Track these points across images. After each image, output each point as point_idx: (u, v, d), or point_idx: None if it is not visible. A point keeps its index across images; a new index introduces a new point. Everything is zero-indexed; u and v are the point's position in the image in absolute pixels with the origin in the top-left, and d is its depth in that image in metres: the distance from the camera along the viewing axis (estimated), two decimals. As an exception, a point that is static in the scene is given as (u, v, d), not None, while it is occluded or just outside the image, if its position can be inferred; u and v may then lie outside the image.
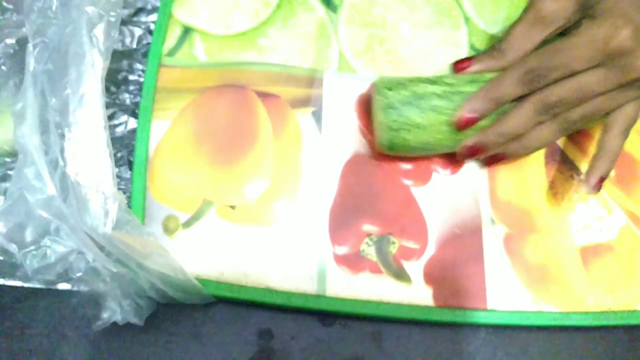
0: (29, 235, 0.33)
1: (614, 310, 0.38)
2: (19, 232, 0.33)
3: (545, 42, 0.35)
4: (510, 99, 0.35)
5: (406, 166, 0.40)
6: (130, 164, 0.39)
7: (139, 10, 0.43)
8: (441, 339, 0.37)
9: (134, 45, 0.42)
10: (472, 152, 0.37)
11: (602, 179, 0.36)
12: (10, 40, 0.39)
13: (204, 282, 0.35)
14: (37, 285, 0.36)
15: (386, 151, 0.38)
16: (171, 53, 0.41)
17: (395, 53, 0.43)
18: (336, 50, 0.43)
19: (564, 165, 0.41)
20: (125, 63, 0.42)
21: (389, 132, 0.36)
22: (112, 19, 0.35)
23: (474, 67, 0.37)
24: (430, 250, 0.38)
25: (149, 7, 0.43)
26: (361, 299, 0.36)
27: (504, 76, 0.35)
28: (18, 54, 0.39)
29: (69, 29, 0.34)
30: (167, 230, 0.37)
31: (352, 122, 0.40)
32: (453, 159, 0.39)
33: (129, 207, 0.37)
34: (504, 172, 0.40)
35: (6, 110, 0.38)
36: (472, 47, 0.44)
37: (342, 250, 0.37)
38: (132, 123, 0.40)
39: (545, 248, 0.39)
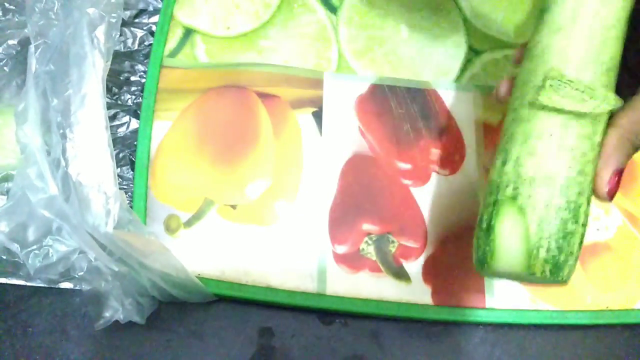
0: (31, 235, 0.33)
1: (611, 308, 0.38)
2: (21, 232, 0.33)
3: None
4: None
5: (405, 166, 0.40)
6: (132, 164, 0.39)
7: (141, 12, 0.43)
8: (440, 337, 0.37)
9: (136, 47, 0.43)
10: (618, 179, 0.31)
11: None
12: (12, 41, 0.40)
13: (205, 280, 0.36)
14: (40, 284, 0.36)
15: None
16: (173, 54, 0.41)
17: (395, 54, 0.43)
18: (336, 51, 0.43)
19: (561, 165, 0.41)
20: (127, 64, 0.42)
21: None
22: (113, 20, 0.36)
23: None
24: (429, 250, 0.38)
25: (151, 8, 0.44)
26: (361, 298, 0.36)
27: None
28: (20, 54, 0.39)
29: (70, 30, 0.34)
30: (169, 229, 0.37)
31: (352, 122, 0.41)
32: (452, 159, 0.39)
33: (131, 206, 0.37)
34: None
35: (8, 111, 0.38)
36: (470, 48, 0.44)
37: (342, 249, 0.38)
38: (134, 123, 0.40)
39: (543, 247, 0.39)
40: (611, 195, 0.31)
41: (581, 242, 0.29)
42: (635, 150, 0.31)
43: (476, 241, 0.30)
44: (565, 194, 0.28)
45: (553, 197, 0.28)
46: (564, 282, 0.29)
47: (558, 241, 0.28)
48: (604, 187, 0.30)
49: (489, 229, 0.29)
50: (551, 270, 0.28)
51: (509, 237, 0.28)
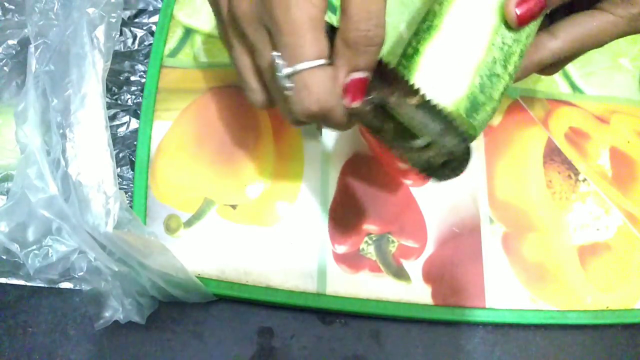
0: (31, 235, 0.33)
1: (611, 308, 0.38)
2: (21, 232, 0.33)
3: None
4: None
5: (405, 166, 0.40)
6: (132, 164, 0.39)
7: (141, 12, 0.43)
8: (440, 337, 0.37)
9: (136, 47, 0.43)
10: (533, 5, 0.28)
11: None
12: (12, 41, 0.40)
13: (205, 280, 0.36)
14: (40, 284, 0.36)
15: None
16: (172, 54, 0.41)
17: (395, 54, 0.43)
18: (336, 51, 0.43)
19: (562, 165, 0.41)
20: (127, 64, 0.42)
21: None
22: (113, 20, 0.36)
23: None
24: (429, 249, 0.38)
25: (151, 8, 0.44)
26: (361, 298, 0.37)
27: None
28: (20, 54, 0.39)
29: (70, 30, 0.34)
30: (169, 229, 0.37)
31: (352, 122, 0.41)
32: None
33: (131, 206, 0.37)
34: (503, 171, 0.40)
35: (8, 111, 0.38)
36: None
37: (342, 249, 0.38)
38: (134, 123, 0.40)
39: (543, 247, 0.39)
40: (520, 20, 0.27)
41: (503, 92, 0.30)
42: None
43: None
44: None
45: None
46: (473, 132, 0.29)
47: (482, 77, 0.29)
48: (512, 5, 0.27)
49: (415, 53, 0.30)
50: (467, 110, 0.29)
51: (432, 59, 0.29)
